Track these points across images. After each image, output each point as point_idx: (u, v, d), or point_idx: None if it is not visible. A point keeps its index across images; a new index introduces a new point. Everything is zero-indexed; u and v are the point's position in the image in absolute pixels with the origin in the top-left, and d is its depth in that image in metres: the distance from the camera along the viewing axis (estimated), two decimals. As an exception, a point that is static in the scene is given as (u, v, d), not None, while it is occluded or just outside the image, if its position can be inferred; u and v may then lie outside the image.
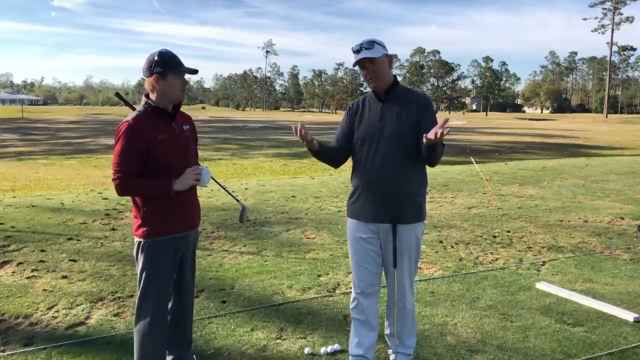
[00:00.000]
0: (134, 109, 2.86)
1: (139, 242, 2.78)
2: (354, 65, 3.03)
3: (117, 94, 3.47)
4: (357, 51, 2.97)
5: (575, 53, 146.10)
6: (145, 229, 2.76)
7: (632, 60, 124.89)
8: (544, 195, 9.51)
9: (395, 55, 3.12)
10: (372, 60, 2.95)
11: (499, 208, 8.30)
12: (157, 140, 2.70)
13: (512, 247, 6.07)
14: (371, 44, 2.95)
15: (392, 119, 2.99)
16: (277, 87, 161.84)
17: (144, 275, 2.78)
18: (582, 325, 3.95)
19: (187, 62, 2.79)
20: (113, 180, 2.69)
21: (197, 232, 3.04)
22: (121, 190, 2.70)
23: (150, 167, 2.70)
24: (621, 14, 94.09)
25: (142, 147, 2.66)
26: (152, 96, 2.77)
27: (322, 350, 3.50)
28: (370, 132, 3.02)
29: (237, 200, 3.64)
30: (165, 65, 2.69)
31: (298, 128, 2.87)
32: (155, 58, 2.69)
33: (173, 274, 2.86)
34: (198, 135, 3.16)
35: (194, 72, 2.80)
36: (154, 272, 2.77)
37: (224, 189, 3.84)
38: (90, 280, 4.80)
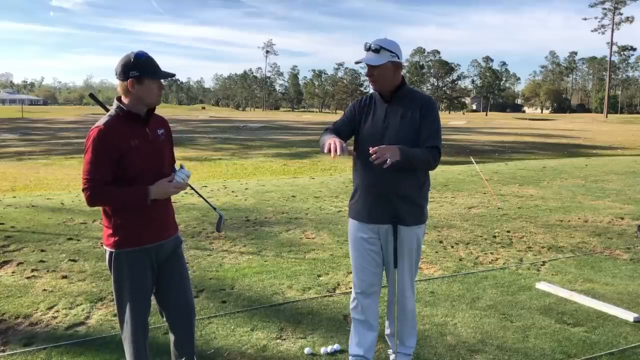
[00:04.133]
0: (107, 110, 2.72)
1: (111, 253, 2.66)
2: (356, 62, 3.02)
3: (92, 95, 3.34)
4: (366, 49, 2.97)
5: (575, 53, 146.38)
6: (116, 238, 2.62)
7: (632, 60, 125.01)
8: (544, 195, 9.51)
9: (401, 64, 3.08)
10: (372, 65, 2.94)
11: (499, 208, 8.30)
12: (130, 146, 2.55)
13: (512, 247, 6.07)
14: (378, 48, 2.92)
15: (395, 120, 2.98)
16: (277, 87, 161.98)
17: (117, 287, 2.69)
18: (582, 325, 3.95)
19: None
20: (83, 190, 2.53)
21: (176, 240, 2.83)
22: (93, 200, 2.53)
23: (122, 174, 2.56)
24: (621, 14, 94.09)
25: (114, 153, 2.51)
26: (125, 100, 2.60)
27: (322, 350, 3.49)
28: (373, 132, 3.00)
29: (214, 209, 3.38)
30: (142, 69, 2.54)
31: (338, 149, 2.73)
32: (132, 61, 2.53)
33: (149, 285, 2.74)
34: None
35: (171, 75, 2.68)
36: (127, 284, 2.67)
37: (202, 196, 3.61)
38: (90, 280, 4.80)
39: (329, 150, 2.76)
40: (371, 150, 2.71)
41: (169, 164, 2.81)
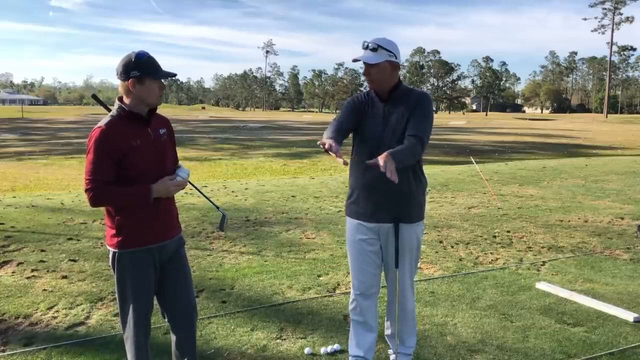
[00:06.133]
0: (109, 111, 2.73)
1: (114, 253, 2.66)
2: (353, 60, 3.01)
3: (94, 96, 3.35)
4: (364, 48, 2.96)
5: (575, 53, 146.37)
6: (119, 238, 2.62)
7: (632, 60, 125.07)
8: (544, 195, 9.51)
9: (399, 64, 3.06)
10: (370, 64, 2.93)
11: (499, 208, 8.30)
12: (131, 147, 2.55)
13: (512, 247, 6.07)
14: (376, 47, 2.91)
15: (393, 119, 2.97)
16: (277, 87, 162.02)
17: (119, 287, 2.69)
18: (582, 325, 3.95)
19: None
20: (86, 190, 2.53)
21: (179, 241, 2.84)
22: (95, 200, 2.53)
23: (124, 174, 2.55)
24: (621, 14, 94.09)
25: (116, 154, 2.52)
26: (127, 100, 2.61)
27: (322, 350, 3.49)
28: (372, 132, 3.00)
29: (217, 208, 3.38)
30: (143, 69, 2.55)
31: (331, 146, 2.63)
32: (133, 60, 2.54)
33: (151, 285, 2.74)
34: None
35: (172, 75, 2.68)
36: (130, 284, 2.66)
37: (204, 195, 3.62)
38: (90, 280, 4.80)
39: (322, 144, 2.69)
40: (370, 163, 2.59)
41: (172, 163, 2.80)
